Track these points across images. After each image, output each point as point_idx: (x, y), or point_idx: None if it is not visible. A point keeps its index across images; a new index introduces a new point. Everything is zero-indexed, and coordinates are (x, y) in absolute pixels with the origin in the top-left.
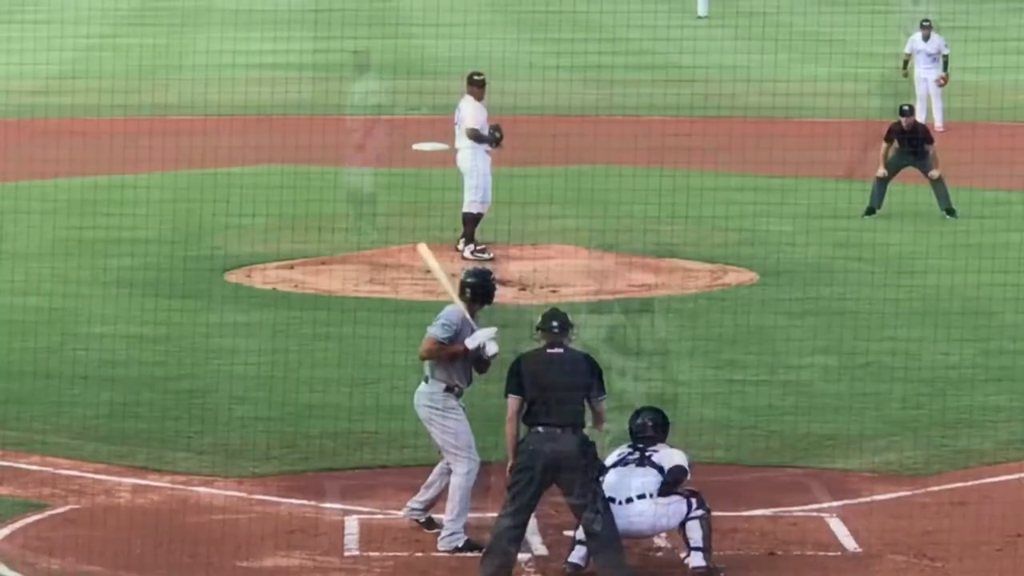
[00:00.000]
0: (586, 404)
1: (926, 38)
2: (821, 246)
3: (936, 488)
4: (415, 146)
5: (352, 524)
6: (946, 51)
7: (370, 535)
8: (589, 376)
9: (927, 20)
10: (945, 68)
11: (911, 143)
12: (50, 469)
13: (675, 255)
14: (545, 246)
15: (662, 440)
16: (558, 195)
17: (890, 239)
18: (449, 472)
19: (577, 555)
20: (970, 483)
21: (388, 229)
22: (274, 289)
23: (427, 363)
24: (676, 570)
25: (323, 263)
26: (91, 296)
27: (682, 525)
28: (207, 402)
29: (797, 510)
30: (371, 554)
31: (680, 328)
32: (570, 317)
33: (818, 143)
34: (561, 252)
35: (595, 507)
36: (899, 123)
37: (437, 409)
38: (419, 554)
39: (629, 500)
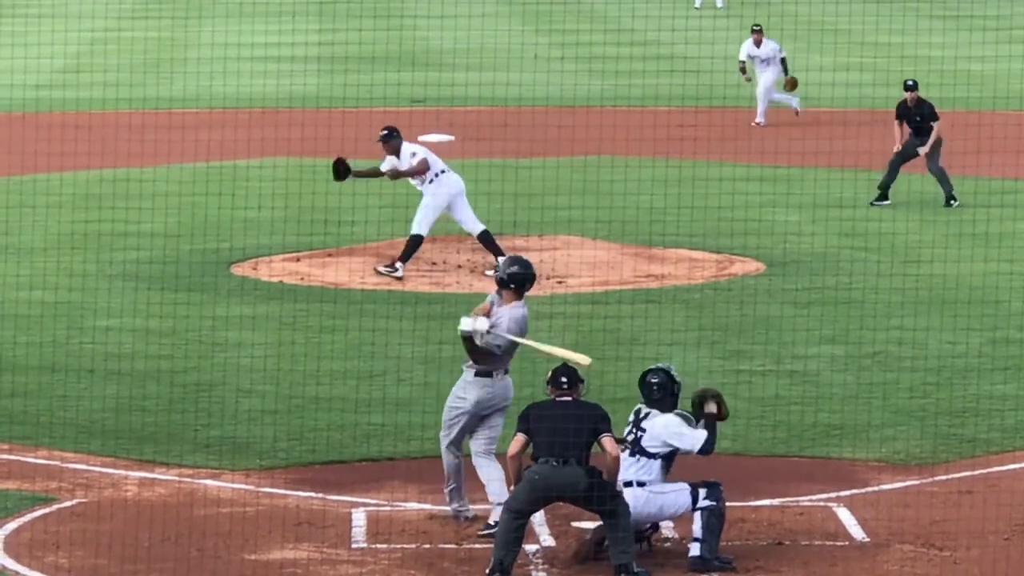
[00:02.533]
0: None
1: (758, 43)
2: (827, 236)
3: (943, 477)
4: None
5: (359, 516)
6: (782, 54)
7: (377, 527)
8: (597, 421)
9: (757, 25)
10: (786, 71)
11: (918, 120)
12: (57, 463)
13: (681, 245)
14: (551, 237)
15: (669, 404)
16: (564, 186)
17: (896, 228)
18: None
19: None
20: (977, 472)
21: (394, 221)
22: (280, 282)
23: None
24: (682, 560)
25: (329, 255)
26: (97, 290)
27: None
28: (214, 395)
29: (804, 500)
30: (378, 546)
31: (687, 318)
32: (580, 372)
33: (824, 132)
34: (567, 243)
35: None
36: (904, 101)
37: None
38: (427, 546)
39: (628, 484)
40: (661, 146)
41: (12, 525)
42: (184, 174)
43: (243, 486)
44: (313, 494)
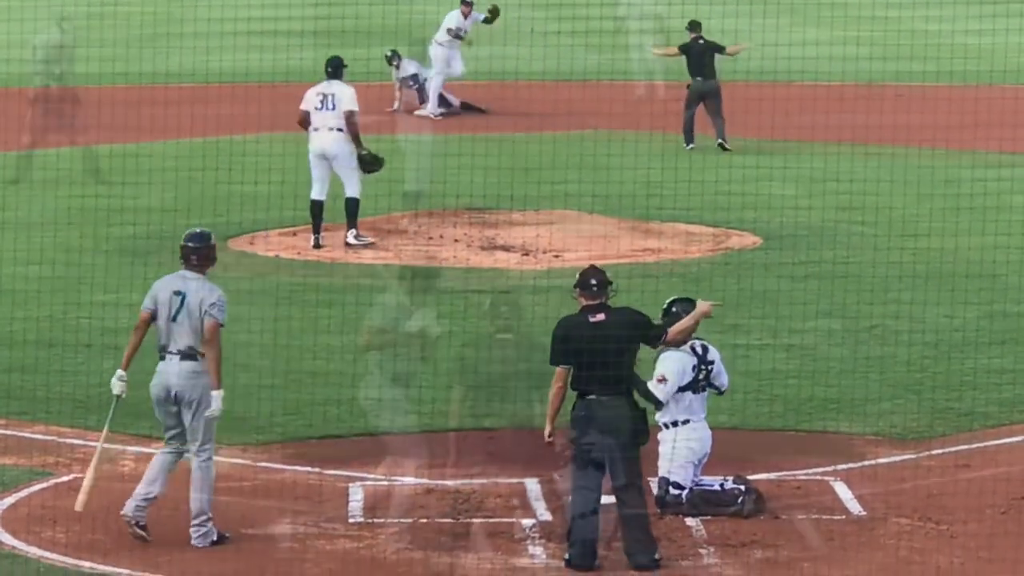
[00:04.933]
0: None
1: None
2: (824, 210)
3: (940, 451)
4: (416, 112)
5: (356, 491)
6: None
7: (375, 502)
8: (639, 332)
9: None
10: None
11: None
12: (54, 438)
13: (677, 219)
14: (547, 211)
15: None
16: (560, 160)
17: (893, 203)
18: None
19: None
20: (974, 446)
21: (391, 196)
22: (277, 256)
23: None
24: (686, 540)
25: (326, 229)
26: (94, 265)
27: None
28: None
29: (801, 474)
30: (376, 520)
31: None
32: (608, 275)
33: (820, 106)
34: (563, 217)
35: (633, 476)
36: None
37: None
38: (423, 520)
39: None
40: (657, 120)
41: (9, 500)
42: (180, 149)
43: (240, 461)
44: (310, 469)
